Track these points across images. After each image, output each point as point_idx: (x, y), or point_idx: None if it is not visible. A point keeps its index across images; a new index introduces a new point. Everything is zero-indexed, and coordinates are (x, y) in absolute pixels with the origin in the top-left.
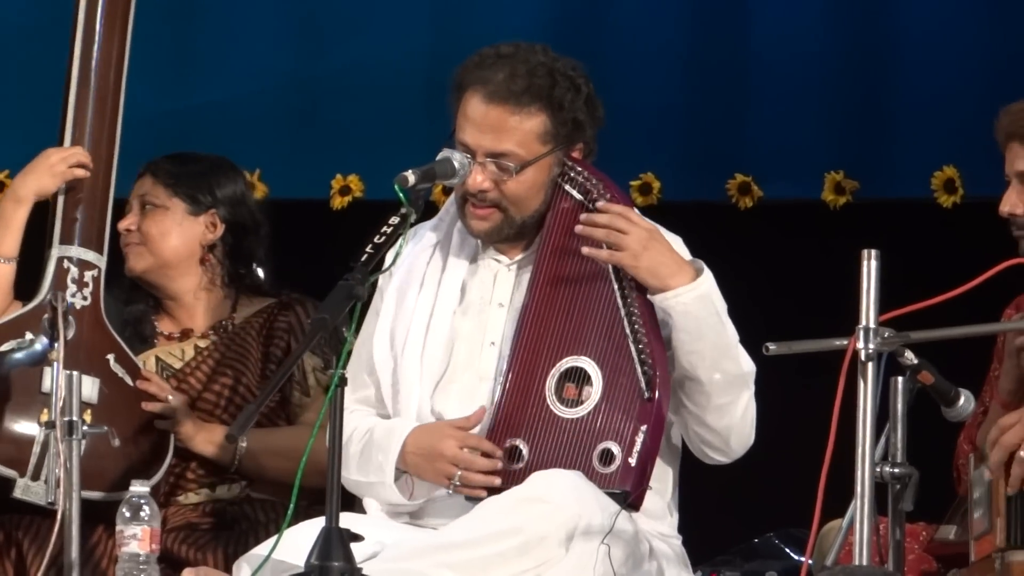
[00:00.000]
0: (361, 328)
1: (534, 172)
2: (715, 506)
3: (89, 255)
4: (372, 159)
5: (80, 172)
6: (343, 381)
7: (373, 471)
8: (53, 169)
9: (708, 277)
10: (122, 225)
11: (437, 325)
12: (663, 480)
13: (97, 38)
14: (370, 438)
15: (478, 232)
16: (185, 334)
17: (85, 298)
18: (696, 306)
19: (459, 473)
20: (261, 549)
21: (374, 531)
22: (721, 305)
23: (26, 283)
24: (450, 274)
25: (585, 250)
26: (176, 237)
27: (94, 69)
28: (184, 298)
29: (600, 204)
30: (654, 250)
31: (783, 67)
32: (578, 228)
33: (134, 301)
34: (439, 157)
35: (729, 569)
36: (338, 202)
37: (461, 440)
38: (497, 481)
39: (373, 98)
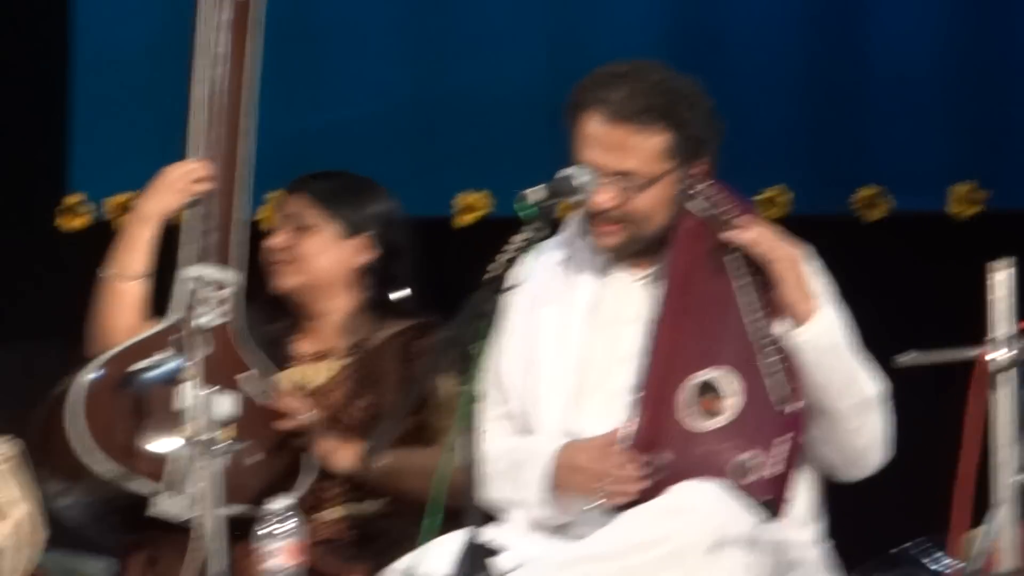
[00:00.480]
0: (491, 346)
1: (659, 189)
2: (859, 513)
3: (221, 274)
4: (497, 176)
5: (202, 187)
6: (474, 398)
7: (521, 488)
8: (175, 186)
9: (827, 310)
10: (273, 243)
11: (569, 342)
12: (806, 488)
13: (220, 58)
14: (515, 456)
15: (605, 248)
16: (324, 354)
17: (220, 316)
18: (817, 341)
19: (603, 485)
20: (403, 563)
21: (517, 544)
22: (841, 335)
23: (162, 302)
24: (579, 291)
25: (746, 236)
26: (328, 258)
27: (217, 89)
28: (328, 318)
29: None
30: (800, 268)
31: (907, 77)
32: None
33: (274, 320)
34: (563, 174)
35: None
36: (463, 220)
37: (604, 452)
38: (644, 487)
39: (498, 115)
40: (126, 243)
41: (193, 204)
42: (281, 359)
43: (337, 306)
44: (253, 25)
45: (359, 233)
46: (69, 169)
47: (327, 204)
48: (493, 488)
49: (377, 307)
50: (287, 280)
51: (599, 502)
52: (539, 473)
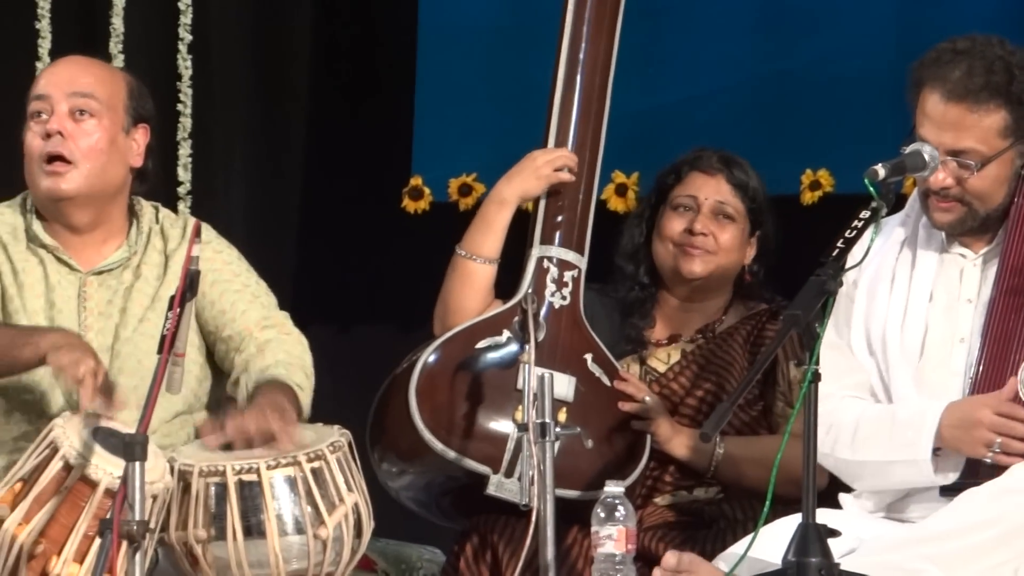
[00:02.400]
0: (836, 324)
1: (996, 167)
2: None
3: (569, 255)
4: (841, 153)
5: (565, 176)
6: (816, 377)
7: (901, 449)
8: (538, 172)
9: None
10: (699, 227)
11: (911, 322)
12: None
13: (584, 39)
14: (893, 418)
15: (941, 224)
16: (673, 339)
17: (564, 298)
18: None
19: (999, 440)
20: (737, 547)
21: (851, 527)
22: None
23: (509, 281)
24: (919, 271)
25: None
26: (736, 253)
27: (580, 70)
28: (694, 307)
29: None
30: None
31: None
32: None
33: (632, 315)
34: (909, 150)
35: None
36: (808, 197)
37: (996, 407)
38: None
39: (841, 91)
40: (482, 224)
41: (552, 188)
42: (633, 344)
43: (718, 299)
44: (618, 4)
45: (755, 233)
46: (413, 152)
47: (746, 199)
48: (863, 450)
49: (731, 290)
50: (703, 267)
51: (988, 457)
52: (923, 433)
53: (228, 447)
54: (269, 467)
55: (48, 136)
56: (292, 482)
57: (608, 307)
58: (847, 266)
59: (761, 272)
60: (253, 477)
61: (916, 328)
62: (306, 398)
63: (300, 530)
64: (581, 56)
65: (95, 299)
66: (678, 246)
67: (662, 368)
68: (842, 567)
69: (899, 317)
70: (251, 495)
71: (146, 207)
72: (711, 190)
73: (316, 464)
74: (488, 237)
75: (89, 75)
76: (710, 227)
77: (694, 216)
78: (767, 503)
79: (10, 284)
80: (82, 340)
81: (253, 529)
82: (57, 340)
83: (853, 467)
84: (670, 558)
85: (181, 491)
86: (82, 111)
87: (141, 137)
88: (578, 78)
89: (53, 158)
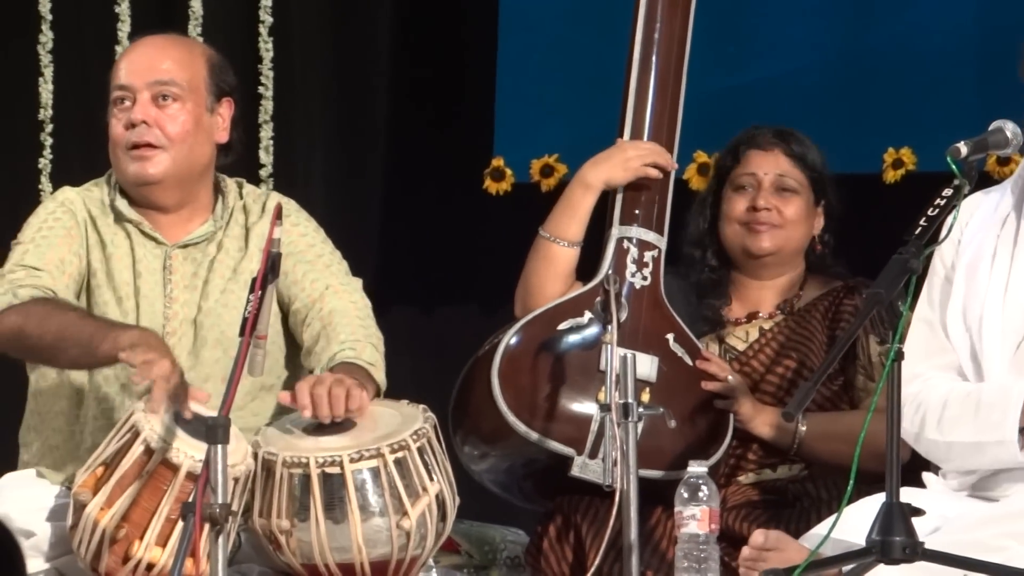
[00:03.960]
0: (922, 296)
1: None
2: None
3: (649, 236)
4: (924, 131)
5: (653, 172)
6: (899, 355)
7: (988, 430)
8: (627, 163)
9: None
10: (765, 203)
11: (1013, 299)
12: None
13: (659, 18)
14: (979, 398)
15: None
16: (751, 316)
17: (645, 278)
18: None
19: None
20: (821, 528)
21: (936, 506)
22: None
23: (588, 263)
24: (1022, 246)
25: None
26: (803, 226)
27: (655, 50)
28: (769, 284)
29: None
30: None
31: None
32: None
33: (708, 295)
34: (992, 127)
35: None
36: (891, 175)
37: None
38: None
39: (923, 69)
40: (566, 207)
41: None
42: (711, 324)
43: (784, 272)
44: None
45: (819, 203)
46: (494, 133)
47: (806, 170)
48: (951, 432)
49: (808, 269)
50: (772, 242)
51: None
52: (1009, 414)
53: (312, 425)
54: (352, 460)
55: (133, 125)
56: (375, 473)
57: (684, 289)
58: (932, 243)
59: (832, 241)
60: (336, 470)
61: (1019, 303)
62: (379, 373)
63: (384, 519)
64: (656, 36)
65: (180, 272)
66: (744, 225)
67: (741, 346)
68: (926, 546)
69: (1000, 293)
70: (334, 487)
71: (230, 184)
72: (770, 165)
73: (400, 455)
74: (572, 221)
75: (168, 59)
76: (772, 201)
77: (756, 193)
78: (851, 482)
79: (96, 259)
80: (161, 340)
81: (337, 519)
82: (135, 338)
83: (941, 448)
84: (758, 536)
85: (264, 478)
86: (165, 96)
87: (226, 111)
88: (653, 58)
89: (139, 146)
